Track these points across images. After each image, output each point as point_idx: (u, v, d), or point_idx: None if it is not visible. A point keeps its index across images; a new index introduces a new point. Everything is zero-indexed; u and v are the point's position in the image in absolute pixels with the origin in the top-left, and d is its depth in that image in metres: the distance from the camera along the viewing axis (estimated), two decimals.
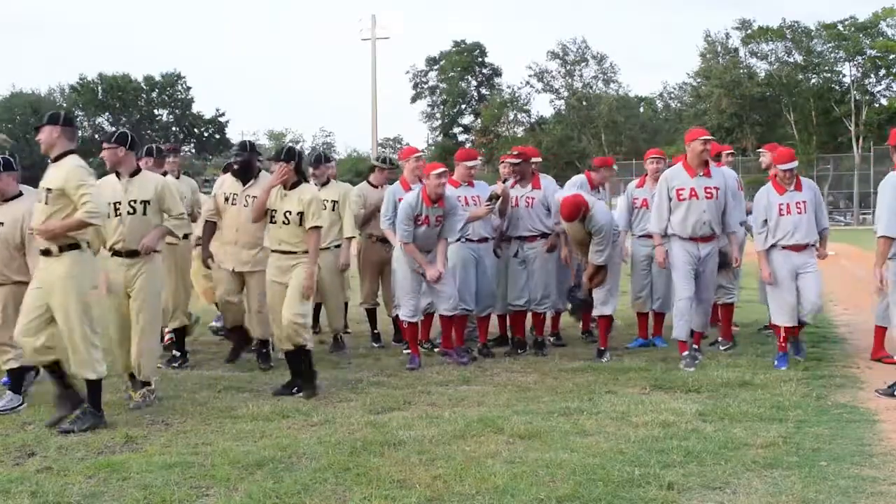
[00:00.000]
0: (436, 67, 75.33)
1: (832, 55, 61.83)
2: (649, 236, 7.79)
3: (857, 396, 5.97)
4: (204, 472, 4.31)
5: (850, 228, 48.31)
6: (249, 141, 7.25)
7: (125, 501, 3.95)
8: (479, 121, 72.85)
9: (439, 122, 75.26)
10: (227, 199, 7.22)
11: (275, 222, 6.26)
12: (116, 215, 5.72)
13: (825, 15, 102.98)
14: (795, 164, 7.07)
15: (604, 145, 61.12)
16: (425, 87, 75.69)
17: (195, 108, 77.57)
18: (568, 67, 68.14)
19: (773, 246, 7.02)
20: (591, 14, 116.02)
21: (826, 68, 62.16)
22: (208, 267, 7.54)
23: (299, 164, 6.33)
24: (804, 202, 6.98)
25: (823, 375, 6.61)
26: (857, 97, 59.80)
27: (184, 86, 77.29)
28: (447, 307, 7.29)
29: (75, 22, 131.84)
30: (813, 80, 61.78)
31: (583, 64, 67.73)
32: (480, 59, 75.31)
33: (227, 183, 7.35)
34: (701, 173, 7.05)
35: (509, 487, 4.03)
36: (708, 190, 7.03)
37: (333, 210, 7.99)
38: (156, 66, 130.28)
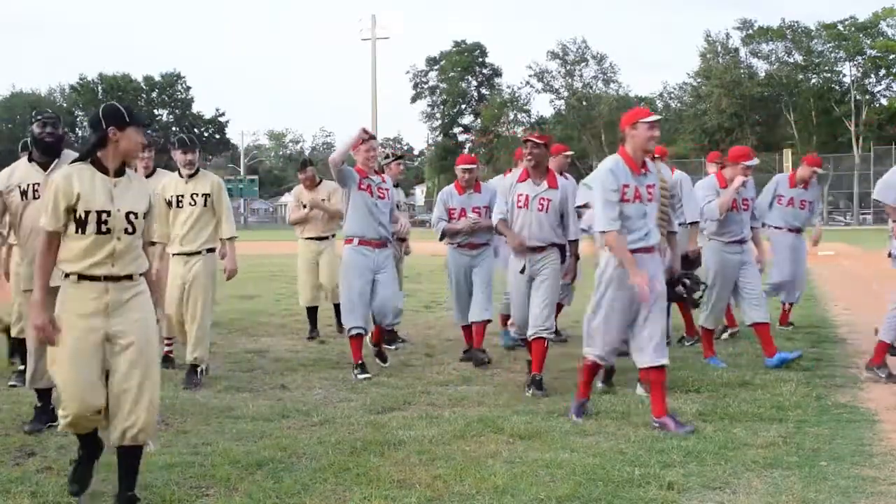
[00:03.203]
0: (436, 67, 75.44)
1: (832, 55, 61.97)
2: (740, 241, 7.11)
3: (857, 396, 5.97)
4: (204, 472, 4.31)
5: (850, 228, 48.35)
6: (54, 113, 5.43)
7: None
8: (479, 121, 72.93)
9: (439, 122, 75.33)
10: (24, 194, 5.28)
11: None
12: None
13: (825, 15, 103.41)
14: None
15: (604, 145, 61.18)
16: (425, 87, 75.83)
17: (195, 108, 77.86)
18: (568, 67, 68.27)
19: None
20: (591, 14, 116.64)
21: (826, 68, 62.31)
22: None
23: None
24: None
25: (823, 375, 6.61)
26: (857, 97, 59.90)
27: (184, 86, 77.53)
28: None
29: (75, 22, 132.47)
30: (813, 80, 61.92)
31: (583, 64, 67.85)
32: (480, 60, 75.43)
33: (19, 171, 5.36)
34: None
35: (509, 487, 4.03)
36: None
37: (206, 205, 6.57)
38: (156, 66, 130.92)
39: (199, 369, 6.55)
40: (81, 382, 3.73)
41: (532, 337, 6.25)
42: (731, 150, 7.39)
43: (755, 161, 7.20)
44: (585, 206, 6.55)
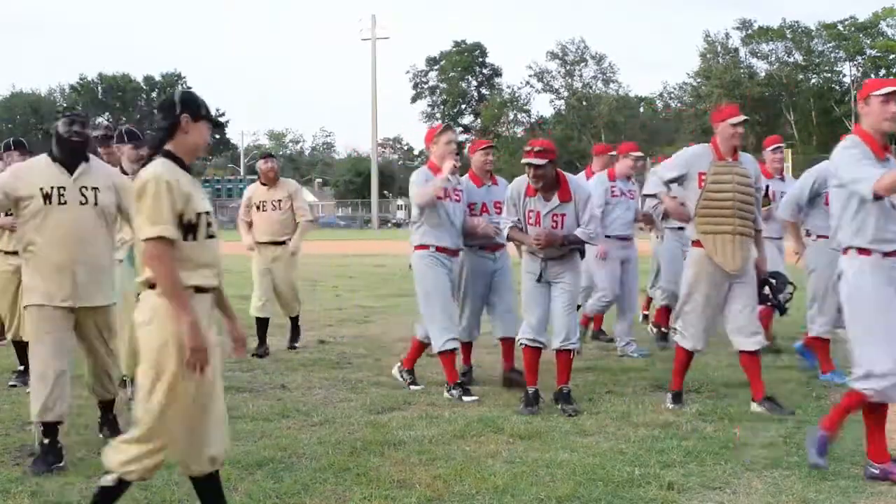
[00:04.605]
0: (436, 67, 75.58)
1: (832, 55, 62.04)
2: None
3: None
4: None
5: None
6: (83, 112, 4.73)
7: (125, 501, 3.93)
8: (479, 121, 72.97)
9: (439, 122, 75.37)
10: (48, 197, 4.60)
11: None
12: None
13: (825, 15, 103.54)
14: None
15: None
16: (425, 87, 75.96)
17: None
18: (567, 67, 68.33)
19: None
20: (591, 14, 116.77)
21: (826, 68, 62.42)
22: None
23: None
24: None
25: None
26: None
27: (184, 86, 77.48)
28: None
29: (75, 22, 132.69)
30: (813, 80, 62.01)
31: (582, 64, 67.94)
32: (480, 59, 75.54)
33: (40, 171, 4.69)
34: None
35: (509, 487, 4.03)
36: None
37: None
38: (156, 66, 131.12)
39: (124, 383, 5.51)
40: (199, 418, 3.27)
41: (561, 348, 5.71)
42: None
43: None
44: (654, 195, 6.04)
